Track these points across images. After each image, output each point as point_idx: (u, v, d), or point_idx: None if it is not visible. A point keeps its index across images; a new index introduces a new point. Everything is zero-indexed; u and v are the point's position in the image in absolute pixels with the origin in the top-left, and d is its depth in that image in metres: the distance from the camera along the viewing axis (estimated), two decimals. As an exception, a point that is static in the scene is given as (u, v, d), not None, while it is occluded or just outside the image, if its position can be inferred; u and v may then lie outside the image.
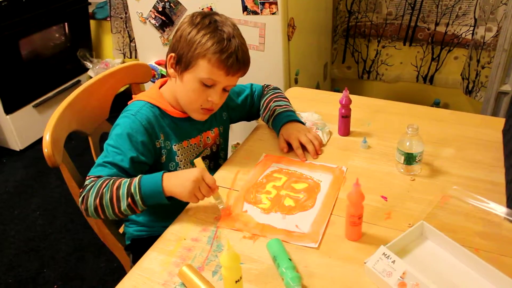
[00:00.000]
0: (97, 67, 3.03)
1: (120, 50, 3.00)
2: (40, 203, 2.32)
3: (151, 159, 1.09)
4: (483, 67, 2.11)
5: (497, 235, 0.92)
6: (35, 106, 2.78)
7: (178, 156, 1.15)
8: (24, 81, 2.70)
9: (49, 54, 2.89)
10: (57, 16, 2.82)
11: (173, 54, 1.08)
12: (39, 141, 2.86)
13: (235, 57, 1.04)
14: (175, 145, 1.14)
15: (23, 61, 2.67)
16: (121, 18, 2.88)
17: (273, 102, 1.28)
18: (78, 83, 3.07)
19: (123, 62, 3.13)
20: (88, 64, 3.04)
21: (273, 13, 1.74)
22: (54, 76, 2.92)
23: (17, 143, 2.73)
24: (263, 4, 1.73)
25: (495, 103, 1.83)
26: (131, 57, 3.02)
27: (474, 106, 2.35)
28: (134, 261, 1.20)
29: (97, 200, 0.95)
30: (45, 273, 1.89)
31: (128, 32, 2.92)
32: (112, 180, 0.97)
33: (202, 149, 1.22)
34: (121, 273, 1.86)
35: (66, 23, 2.91)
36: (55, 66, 2.92)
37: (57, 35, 2.93)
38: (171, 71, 1.10)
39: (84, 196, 0.97)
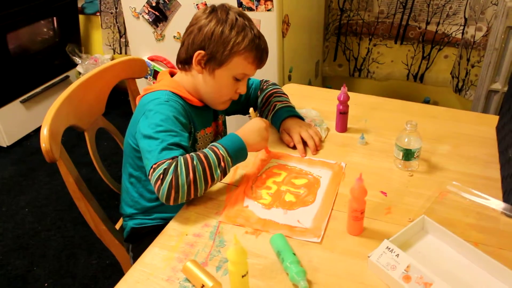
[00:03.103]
0: (86, 63, 2.99)
1: (110, 45, 2.96)
2: (29, 200, 2.28)
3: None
4: (473, 66, 2.14)
5: (495, 229, 0.94)
6: (22, 102, 2.74)
7: (198, 144, 1.18)
8: (12, 76, 2.65)
9: (37, 49, 2.84)
10: (46, 10, 2.77)
11: (202, 52, 1.08)
12: (27, 137, 2.82)
13: (265, 52, 1.14)
14: (197, 133, 1.17)
15: (10, 55, 2.62)
16: (111, 13, 2.85)
17: (273, 97, 1.29)
18: (66, 78, 3.03)
19: (113, 58, 3.10)
20: (77, 60, 3.00)
21: (268, 10, 1.74)
22: (42, 71, 2.87)
23: (4, 139, 2.68)
24: (258, 0, 1.73)
25: (485, 101, 1.86)
26: (121, 53, 2.99)
27: (463, 104, 2.39)
28: (133, 250, 1.20)
29: (191, 175, 0.94)
30: (35, 271, 1.86)
31: (118, 28, 2.89)
32: (194, 154, 0.97)
33: (214, 137, 1.26)
34: (113, 270, 1.86)
35: (54, 18, 2.87)
36: (43, 61, 2.87)
37: (45, 29, 2.88)
38: (197, 67, 1.11)
39: (171, 179, 0.92)
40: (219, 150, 1.00)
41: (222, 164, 0.99)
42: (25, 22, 2.68)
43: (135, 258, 1.18)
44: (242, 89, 1.16)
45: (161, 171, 0.94)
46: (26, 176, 2.47)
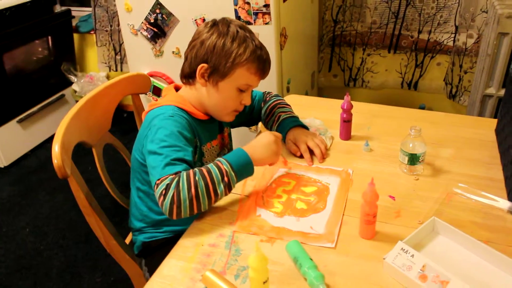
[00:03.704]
0: (81, 81, 3.01)
1: (106, 63, 2.98)
2: (29, 220, 2.27)
3: (194, 157, 1.11)
4: (465, 72, 2.19)
5: (502, 227, 0.96)
6: (19, 122, 2.73)
7: (204, 157, 1.19)
8: (8, 96, 2.65)
9: (32, 69, 2.85)
10: (41, 30, 2.79)
11: (205, 65, 1.10)
12: (24, 157, 2.81)
13: (268, 62, 1.15)
14: (203, 146, 1.18)
15: (6, 75, 2.62)
16: (106, 31, 2.87)
17: (277, 108, 1.31)
18: (62, 97, 3.04)
19: (108, 75, 3.12)
20: (73, 78, 3.01)
21: (266, 23, 1.78)
22: (38, 90, 2.88)
23: (1, 160, 2.67)
24: (256, 14, 1.77)
25: (480, 105, 1.91)
26: (116, 70, 3.01)
27: (458, 110, 2.44)
28: (147, 264, 1.21)
29: (192, 190, 0.94)
30: (39, 291, 1.85)
31: (113, 45, 2.91)
32: (197, 169, 0.98)
33: (220, 150, 1.26)
34: (118, 286, 1.85)
35: (49, 37, 2.89)
36: (39, 81, 2.88)
37: (40, 49, 2.90)
38: (201, 81, 1.12)
39: (172, 195, 0.94)
40: (223, 165, 0.99)
41: (226, 179, 0.98)
42: (20, 42, 2.70)
43: (150, 272, 1.19)
44: (247, 100, 1.17)
45: (164, 186, 0.95)
46: (25, 196, 2.46)
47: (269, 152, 1.07)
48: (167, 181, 0.95)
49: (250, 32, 1.14)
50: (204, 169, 0.98)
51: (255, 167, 1.05)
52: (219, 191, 0.98)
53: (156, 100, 2.22)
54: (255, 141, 1.09)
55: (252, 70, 1.11)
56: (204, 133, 1.19)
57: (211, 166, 1.00)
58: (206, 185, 0.96)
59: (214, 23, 1.12)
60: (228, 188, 1.00)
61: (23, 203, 2.40)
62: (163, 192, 0.94)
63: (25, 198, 2.43)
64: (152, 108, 1.14)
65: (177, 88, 1.23)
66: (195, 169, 0.98)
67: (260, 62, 1.12)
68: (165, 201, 0.94)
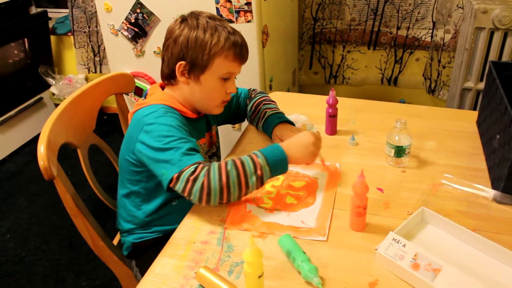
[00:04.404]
0: (60, 83, 2.95)
1: (84, 65, 2.93)
2: (9, 225, 2.21)
3: None
4: (444, 67, 2.24)
5: (487, 215, 0.99)
6: (-4, 126, 2.66)
7: None
8: (-16, 100, 2.58)
9: (8, 72, 2.78)
10: (16, 32, 2.72)
11: (183, 62, 1.08)
12: (2, 162, 2.74)
13: (244, 46, 1.12)
14: None
15: (-19, 79, 2.56)
16: (85, 32, 2.83)
17: (263, 105, 1.31)
18: (40, 100, 2.98)
19: (87, 77, 3.07)
20: (51, 81, 2.95)
21: (248, 21, 1.78)
22: (15, 94, 2.81)
23: (-22, 165, 2.60)
24: (238, 12, 1.77)
25: (460, 99, 1.95)
26: (95, 72, 2.96)
27: (437, 104, 2.48)
28: (138, 265, 1.19)
29: (223, 180, 0.94)
30: (23, 298, 1.80)
31: (92, 47, 2.87)
32: (230, 160, 0.98)
33: (208, 148, 1.25)
34: (104, 290, 1.82)
35: (26, 39, 2.82)
36: (15, 84, 2.81)
37: (16, 51, 2.83)
38: (182, 79, 1.11)
39: (202, 181, 0.94)
40: (257, 158, 0.99)
41: (259, 172, 0.98)
42: (-5, 45, 2.63)
43: (142, 272, 1.18)
44: (232, 88, 1.16)
45: (188, 174, 0.94)
46: (4, 201, 2.40)
47: (306, 152, 1.06)
48: (191, 169, 0.95)
49: (221, 20, 1.12)
50: (237, 160, 0.99)
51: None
52: (250, 183, 0.98)
53: (138, 100, 2.20)
54: (294, 139, 1.08)
55: (230, 57, 1.10)
56: (193, 132, 1.17)
57: (245, 158, 1.00)
58: (238, 176, 0.96)
59: (183, 19, 1.11)
60: (261, 181, 0.99)
61: (3, 209, 2.34)
62: (191, 179, 0.94)
63: (5, 203, 2.37)
64: (139, 108, 1.12)
65: (162, 87, 1.22)
66: (228, 159, 0.99)
67: (236, 47, 1.10)
68: (194, 188, 0.94)
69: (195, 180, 0.94)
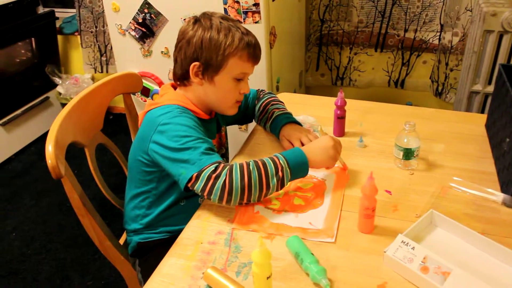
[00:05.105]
0: (66, 83, 2.96)
1: (91, 64, 2.94)
2: (15, 224, 2.22)
3: None
4: (451, 70, 2.23)
5: (497, 219, 0.98)
6: (2, 125, 2.67)
7: None
8: (-9, 99, 2.60)
9: (15, 71, 2.80)
10: (24, 31, 2.74)
11: (197, 63, 1.08)
12: (8, 160, 2.75)
13: (257, 47, 1.13)
14: None
15: (-11, 78, 2.57)
16: (91, 32, 2.84)
17: (271, 105, 1.31)
18: (47, 99, 2.99)
19: (93, 77, 3.08)
20: (57, 80, 2.96)
21: (256, 22, 1.78)
22: (22, 93, 2.82)
23: (-15, 164, 2.62)
24: (246, 13, 1.77)
25: (467, 102, 1.94)
26: (102, 72, 2.97)
27: (444, 108, 2.47)
28: (140, 265, 1.19)
29: (245, 179, 0.95)
30: (28, 297, 1.81)
31: (98, 46, 2.88)
32: (252, 161, 0.99)
33: (218, 149, 1.25)
34: (109, 289, 1.82)
35: (33, 39, 2.84)
36: (22, 83, 2.83)
37: (23, 51, 2.84)
38: (196, 79, 1.11)
39: (224, 180, 0.94)
40: (279, 160, 1.00)
41: (280, 174, 0.99)
42: (2, 44, 2.64)
43: (143, 272, 1.18)
44: (245, 89, 1.16)
45: (210, 172, 0.95)
46: (10, 200, 2.41)
47: (326, 156, 1.07)
48: (211, 168, 0.96)
49: (234, 20, 1.12)
50: (259, 161, 0.99)
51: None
52: (271, 185, 0.98)
53: (145, 100, 2.20)
54: (314, 143, 1.10)
55: (244, 57, 1.10)
56: (206, 133, 1.17)
57: (266, 159, 1.00)
58: (259, 177, 0.97)
59: (196, 20, 1.10)
60: (281, 183, 1.00)
61: (9, 208, 2.34)
62: (213, 176, 0.95)
63: (11, 203, 2.38)
64: (152, 108, 1.11)
65: (174, 87, 1.21)
66: (250, 160, 0.99)
67: (250, 48, 1.10)
68: (215, 186, 0.94)
69: (216, 178, 0.95)
